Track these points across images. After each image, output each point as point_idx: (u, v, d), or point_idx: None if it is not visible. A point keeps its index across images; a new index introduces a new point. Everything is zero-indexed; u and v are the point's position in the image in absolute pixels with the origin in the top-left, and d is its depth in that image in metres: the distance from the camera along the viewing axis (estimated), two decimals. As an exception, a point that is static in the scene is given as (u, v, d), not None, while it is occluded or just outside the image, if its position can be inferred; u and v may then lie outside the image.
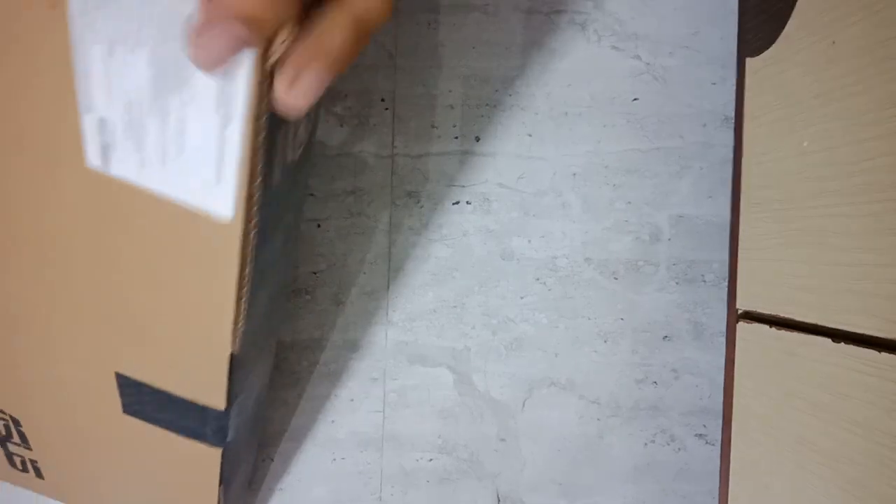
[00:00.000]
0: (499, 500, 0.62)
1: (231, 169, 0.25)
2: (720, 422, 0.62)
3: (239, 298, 0.32)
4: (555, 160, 0.62)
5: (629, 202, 0.62)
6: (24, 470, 0.51)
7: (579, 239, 0.62)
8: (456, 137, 0.62)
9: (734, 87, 0.61)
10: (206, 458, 0.44)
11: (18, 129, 0.27)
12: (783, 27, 0.47)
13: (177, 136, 0.24)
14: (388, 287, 0.62)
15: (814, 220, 0.43)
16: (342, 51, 0.19)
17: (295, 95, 0.20)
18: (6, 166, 0.28)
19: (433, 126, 0.62)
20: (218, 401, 0.38)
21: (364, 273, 0.62)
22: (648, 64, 0.62)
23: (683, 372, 0.62)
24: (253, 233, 0.28)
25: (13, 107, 0.26)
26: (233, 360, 0.35)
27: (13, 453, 0.49)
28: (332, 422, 0.62)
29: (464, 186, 0.62)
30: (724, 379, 0.60)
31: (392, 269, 0.62)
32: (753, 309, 0.50)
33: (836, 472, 0.39)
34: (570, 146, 0.62)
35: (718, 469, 0.61)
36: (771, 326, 0.47)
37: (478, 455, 0.62)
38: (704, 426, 0.62)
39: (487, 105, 0.62)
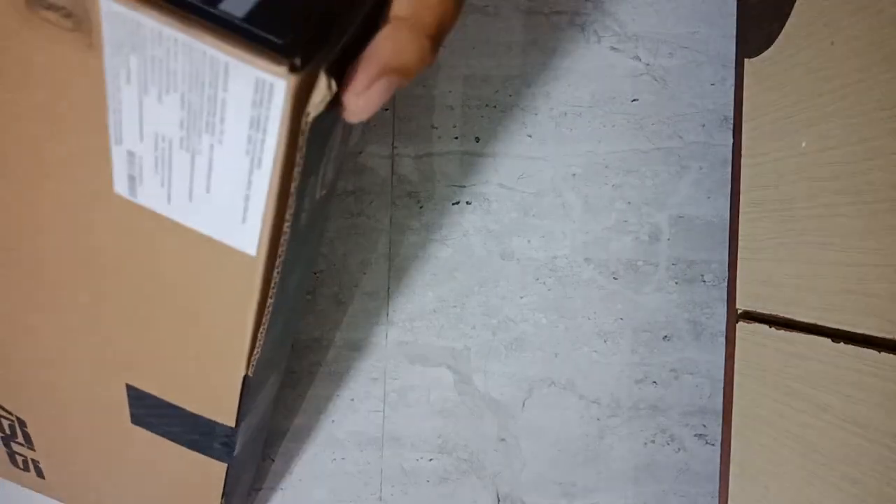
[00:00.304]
0: (499, 500, 0.62)
1: (257, 211, 0.25)
2: (720, 422, 0.62)
3: (257, 328, 0.32)
4: (555, 160, 0.62)
5: (629, 202, 0.62)
6: (26, 469, 0.51)
7: (579, 239, 0.62)
8: (456, 137, 0.62)
9: (733, 88, 0.61)
10: (210, 471, 0.44)
11: (51, 149, 0.27)
12: (782, 27, 0.47)
13: (204, 175, 0.25)
14: (389, 287, 0.62)
15: (813, 220, 0.43)
16: (413, 62, 0.20)
17: (362, 106, 0.21)
18: (36, 185, 0.29)
19: (433, 126, 0.62)
20: (228, 419, 0.38)
21: (364, 273, 0.62)
22: (648, 64, 0.62)
23: (683, 372, 0.62)
24: (276, 270, 0.29)
25: (48, 130, 0.26)
26: (245, 381, 0.35)
27: (16, 452, 0.49)
28: (333, 422, 0.62)
29: (464, 186, 0.62)
30: (724, 379, 0.60)
31: (392, 269, 0.62)
32: (753, 309, 0.50)
33: (835, 472, 0.39)
34: (570, 146, 0.62)
35: (718, 469, 0.61)
36: (771, 326, 0.47)
37: (478, 455, 0.62)
38: (704, 426, 0.62)
39: (487, 105, 0.62)
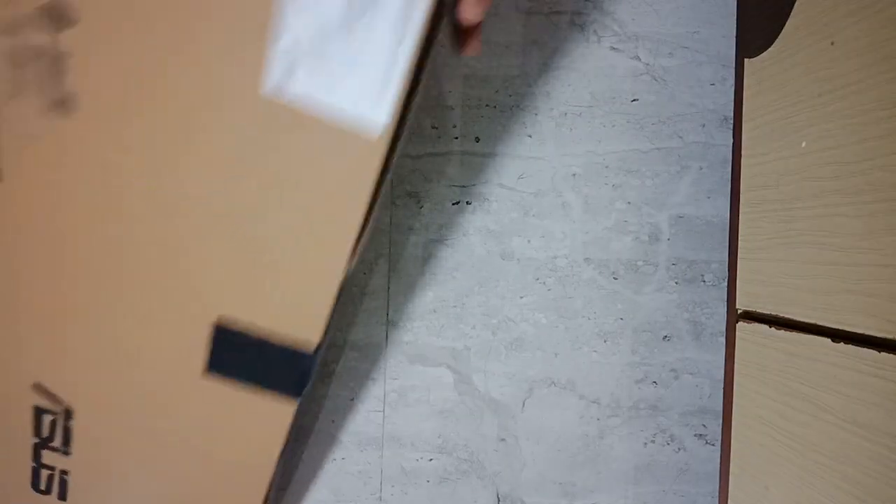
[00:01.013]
0: (499, 500, 0.62)
1: (396, 82, 0.30)
2: (720, 422, 0.62)
3: (367, 214, 0.36)
4: (555, 160, 0.62)
5: (629, 202, 0.62)
6: (48, 491, 0.50)
7: (579, 239, 0.62)
8: (456, 137, 0.62)
9: (733, 88, 0.61)
10: (276, 418, 0.45)
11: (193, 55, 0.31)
12: (782, 27, 0.47)
13: (355, 54, 0.29)
14: (389, 287, 0.62)
15: (814, 220, 0.43)
16: None
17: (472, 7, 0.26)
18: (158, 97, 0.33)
19: (433, 126, 0.62)
20: (314, 334, 0.41)
21: (364, 273, 0.62)
22: (648, 64, 0.62)
23: (683, 372, 0.62)
24: (395, 153, 0.34)
25: (191, 38, 0.31)
26: (342, 286, 0.39)
27: (44, 465, 0.48)
28: (333, 422, 0.62)
29: (464, 186, 0.62)
30: (724, 379, 0.60)
31: (392, 269, 0.62)
32: (753, 309, 0.50)
33: (836, 473, 0.39)
34: (570, 146, 0.62)
35: (718, 469, 0.61)
36: (771, 326, 0.47)
37: (478, 455, 0.62)
38: (704, 426, 0.62)
39: (487, 105, 0.62)
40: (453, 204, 0.62)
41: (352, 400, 0.62)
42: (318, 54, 0.29)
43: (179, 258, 0.38)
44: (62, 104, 0.33)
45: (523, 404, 0.62)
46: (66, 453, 0.48)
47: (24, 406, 0.45)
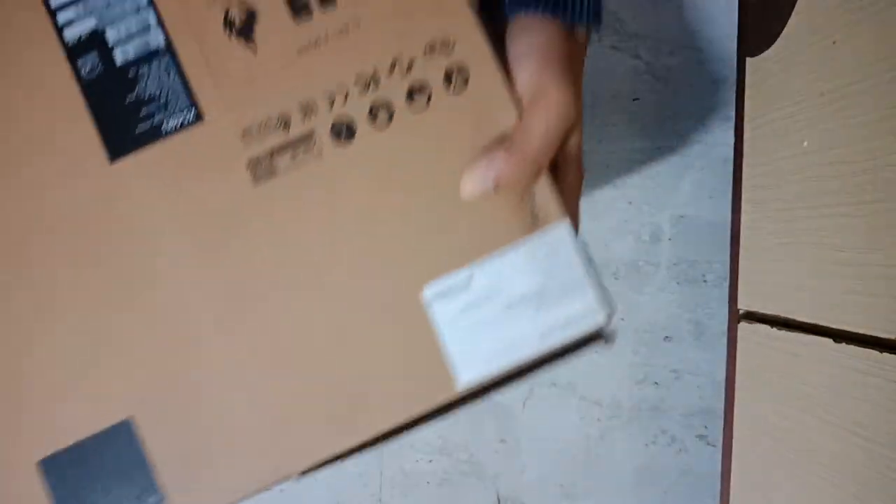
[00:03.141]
0: (499, 502, 0.62)
1: (500, 366, 0.29)
2: (721, 422, 0.62)
3: None
4: (555, 160, 0.62)
5: (630, 202, 0.62)
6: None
7: (580, 238, 0.62)
8: (456, 137, 0.62)
9: (735, 87, 0.61)
10: None
11: None
12: (783, 27, 0.47)
13: (501, 332, 0.29)
14: (389, 287, 0.62)
15: (814, 220, 0.42)
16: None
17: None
18: None
19: (433, 126, 0.62)
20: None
21: (364, 273, 0.62)
22: (649, 63, 0.62)
23: (684, 372, 0.62)
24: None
25: None
26: None
27: None
28: (333, 422, 0.62)
29: (464, 187, 0.62)
30: (726, 379, 0.60)
31: (392, 270, 0.62)
32: (754, 309, 0.50)
33: (836, 472, 0.39)
34: (570, 146, 0.62)
35: (720, 470, 0.61)
36: (772, 327, 0.47)
37: (478, 456, 0.62)
38: (705, 427, 0.62)
39: (487, 105, 0.62)
40: (453, 204, 0.62)
41: (352, 400, 0.62)
42: (472, 309, 0.28)
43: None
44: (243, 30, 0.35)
45: (524, 405, 0.62)
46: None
47: None
